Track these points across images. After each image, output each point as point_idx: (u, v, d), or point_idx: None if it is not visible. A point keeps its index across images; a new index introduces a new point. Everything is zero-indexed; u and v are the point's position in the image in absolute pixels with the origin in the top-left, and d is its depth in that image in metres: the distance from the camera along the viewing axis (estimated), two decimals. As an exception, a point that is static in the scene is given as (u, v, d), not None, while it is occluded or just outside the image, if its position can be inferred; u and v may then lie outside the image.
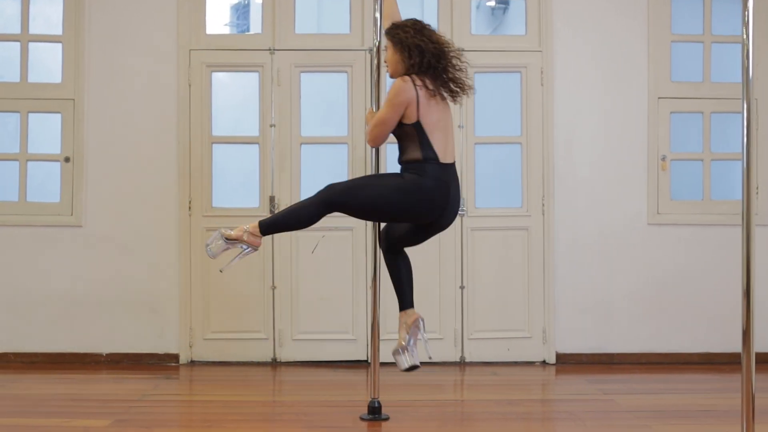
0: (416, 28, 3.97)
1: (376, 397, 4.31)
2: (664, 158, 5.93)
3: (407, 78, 3.89)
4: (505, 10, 9.34)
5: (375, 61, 4.34)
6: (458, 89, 4.03)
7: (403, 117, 3.89)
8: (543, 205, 5.90)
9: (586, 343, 5.93)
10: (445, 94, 4.00)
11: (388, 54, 4.02)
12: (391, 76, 4.04)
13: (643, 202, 5.94)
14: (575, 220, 5.92)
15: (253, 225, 4.00)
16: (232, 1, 11.35)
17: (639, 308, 5.94)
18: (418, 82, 3.88)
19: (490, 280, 5.90)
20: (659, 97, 5.93)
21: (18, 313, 5.82)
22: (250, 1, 10.66)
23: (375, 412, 4.28)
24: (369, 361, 5.78)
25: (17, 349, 5.81)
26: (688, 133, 6.07)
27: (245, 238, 4.00)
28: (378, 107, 4.25)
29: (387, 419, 4.27)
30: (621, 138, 5.95)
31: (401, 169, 4.01)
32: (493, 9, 9.50)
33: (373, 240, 4.35)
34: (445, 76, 3.96)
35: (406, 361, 4.06)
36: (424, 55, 3.90)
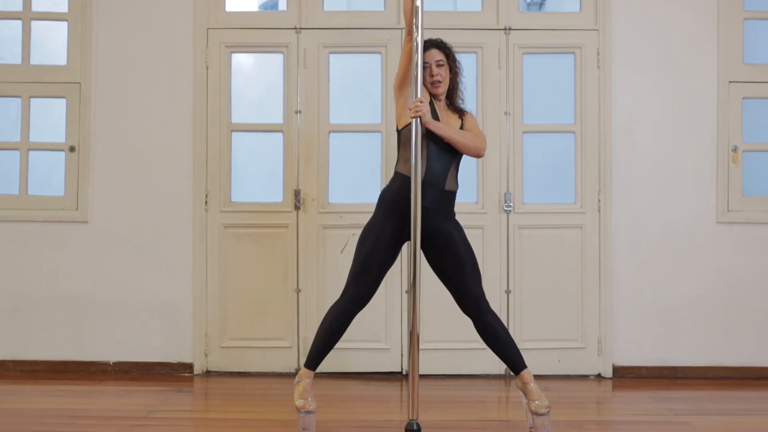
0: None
1: (415, 418, 3.73)
2: (735, 149, 5.39)
3: None
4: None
5: (416, 41, 3.78)
6: None
7: None
8: (599, 201, 5.33)
9: (647, 355, 5.38)
10: None
11: (441, 69, 3.98)
12: (436, 94, 4.00)
13: (711, 198, 5.39)
14: (635, 218, 5.38)
15: (301, 375, 4.02)
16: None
17: (706, 317, 5.39)
18: None
19: (539, 284, 5.35)
20: (730, 81, 5.41)
21: (18, 316, 5.37)
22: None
23: (414, 435, 3.71)
24: (404, 372, 5.27)
25: (16, 357, 5.37)
26: (763, 121, 5.53)
27: (304, 396, 3.96)
28: (416, 93, 3.78)
29: (428, 444, 3.70)
30: (687, 127, 5.41)
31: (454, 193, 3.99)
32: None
33: (411, 240, 3.78)
34: None
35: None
36: (454, 94, 4.07)
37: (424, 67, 3.91)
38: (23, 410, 4.35)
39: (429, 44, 3.98)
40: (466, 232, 5.07)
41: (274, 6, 10.72)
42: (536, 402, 3.84)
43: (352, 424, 4.13)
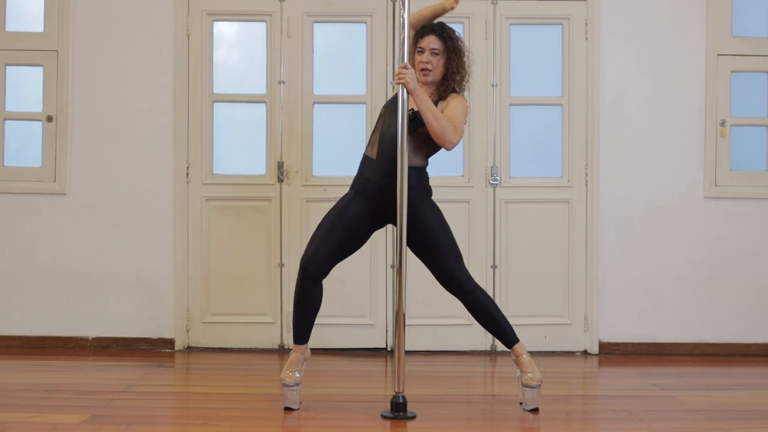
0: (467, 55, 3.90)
1: (401, 391, 3.66)
2: (723, 123, 5.34)
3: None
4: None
5: (402, 12, 3.70)
6: None
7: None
8: (586, 175, 5.27)
9: (633, 331, 5.33)
10: None
11: (433, 57, 3.80)
12: (424, 81, 3.82)
13: (699, 173, 5.33)
14: (622, 193, 5.32)
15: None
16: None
17: (693, 292, 5.34)
18: None
19: (525, 260, 5.28)
20: (718, 54, 5.34)
21: (-7, 291, 5.24)
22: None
23: (400, 408, 3.65)
24: (389, 349, 5.21)
25: (-8, 332, 5.23)
26: (750, 96, 5.43)
27: (291, 369, 3.83)
28: (402, 60, 3.68)
29: (414, 417, 3.62)
30: (675, 100, 5.33)
31: (423, 177, 3.87)
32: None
33: (398, 217, 3.70)
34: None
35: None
36: (462, 82, 3.88)
37: (419, 52, 3.80)
38: (-1, 384, 4.26)
39: (428, 30, 3.83)
40: (452, 206, 5.06)
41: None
42: (527, 375, 3.79)
43: (337, 398, 4.04)
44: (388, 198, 3.72)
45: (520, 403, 3.87)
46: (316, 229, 3.80)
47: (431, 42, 3.79)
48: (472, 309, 3.85)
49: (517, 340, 3.84)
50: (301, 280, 3.75)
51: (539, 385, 3.80)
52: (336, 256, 3.77)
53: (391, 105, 3.79)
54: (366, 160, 3.83)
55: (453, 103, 3.78)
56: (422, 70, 3.80)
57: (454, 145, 3.69)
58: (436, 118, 3.62)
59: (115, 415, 3.63)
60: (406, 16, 3.69)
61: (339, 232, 3.74)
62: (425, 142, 3.78)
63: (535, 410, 3.80)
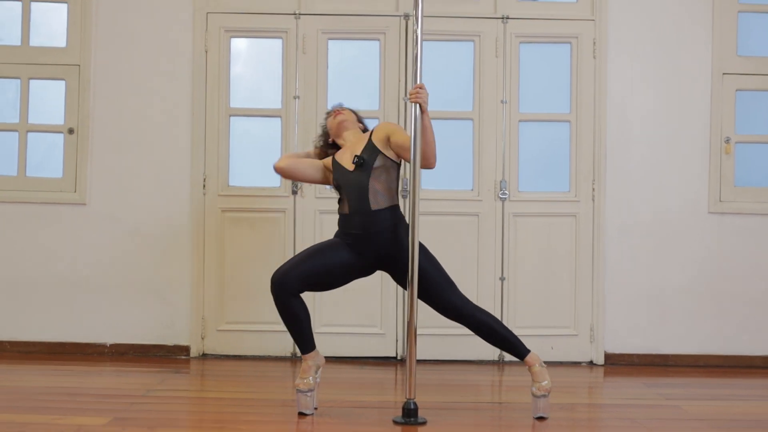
0: None
1: (412, 397, 3.78)
2: (728, 140, 5.45)
3: None
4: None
5: (415, 29, 3.85)
6: None
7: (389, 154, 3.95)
8: (593, 189, 5.39)
9: (638, 342, 5.45)
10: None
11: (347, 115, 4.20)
12: (344, 127, 4.16)
13: (703, 189, 5.45)
14: (628, 207, 5.44)
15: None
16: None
17: (696, 305, 5.46)
18: None
19: (533, 272, 5.41)
20: (724, 73, 5.47)
21: (15, 297, 5.41)
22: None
23: (411, 414, 3.76)
24: (399, 357, 5.33)
25: (13, 338, 5.40)
26: (755, 113, 5.56)
27: (304, 376, 3.96)
28: (416, 81, 3.83)
29: (424, 423, 3.74)
30: (680, 118, 5.46)
31: (399, 215, 4.00)
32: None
33: (410, 235, 3.84)
34: None
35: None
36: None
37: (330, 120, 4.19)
38: (22, 388, 4.38)
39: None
40: (462, 219, 5.22)
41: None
42: (536, 384, 3.91)
43: (350, 404, 4.16)
44: (375, 245, 3.90)
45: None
46: (306, 251, 3.97)
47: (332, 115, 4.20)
48: (477, 331, 3.96)
49: (528, 351, 3.94)
50: (273, 296, 3.89)
51: (545, 395, 3.90)
52: (309, 279, 3.88)
53: (336, 165, 4.00)
54: (343, 218, 3.98)
55: (393, 129, 3.95)
56: (339, 123, 4.14)
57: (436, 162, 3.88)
58: (434, 138, 3.80)
59: (137, 417, 3.76)
60: (419, 32, 3.83)
61: (317, 259, 3.90)
62: (392, 178, 3.95)
63: (541, 418, 3.91)
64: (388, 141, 3.90)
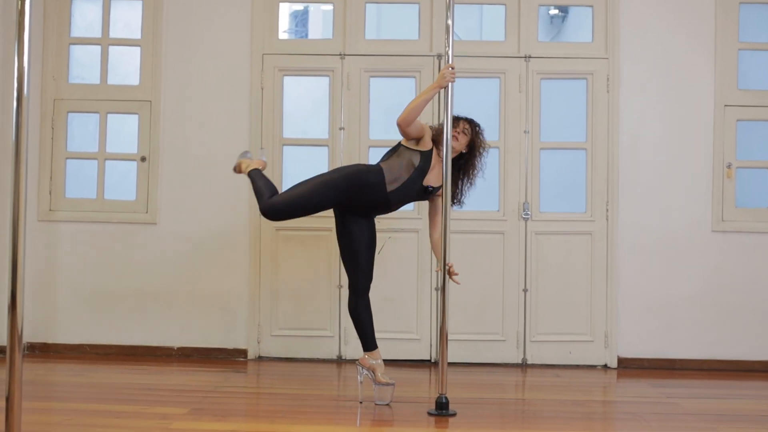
0: None
1: (444, 392, 4.40)
2: (729, 166, 5.92)
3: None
4: (564, 18, 9.37)
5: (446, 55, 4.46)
6: None
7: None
8: (607, 210, 5.93)
9: (648, 348, 5.94)
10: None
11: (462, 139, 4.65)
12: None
13: (707, 209, 5.94)
14: (639, 226, 5.95)
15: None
16: (291, 9, 11.51)
17: (701, 314, 5.94)
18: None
19: (553, 284, 5.95)
20: (725, 105, 5.94)
21: (94, 306, 6.03)
22: (308, 9, 10.82)
23: (443, 407, 4.37)
24: (433, 360, 5.92)
25: (92, 341, 6.02)
26: (755, 141, 6.03)
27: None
28: (448, 114, 4.46)
29: (454, 414, 4.36)
30: (686, 145, 5.96)
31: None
32: (552, 17, 9.54)
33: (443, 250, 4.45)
34: None
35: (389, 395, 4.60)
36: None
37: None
38: (106, 384, 5.02)
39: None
40: (489, 237, 5.80)
41: (304, 18, 11.40)
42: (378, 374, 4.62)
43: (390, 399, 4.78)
44: (362, 201, 4.56)
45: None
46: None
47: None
48: (354, 307, 4.70)
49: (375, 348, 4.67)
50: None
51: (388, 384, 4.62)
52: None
53: (426, 158, 4.55)
54: (378, 184, 4.52)
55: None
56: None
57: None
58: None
59: (212, 408, 4.40)
60: (451, 54, 4.44)
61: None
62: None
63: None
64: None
